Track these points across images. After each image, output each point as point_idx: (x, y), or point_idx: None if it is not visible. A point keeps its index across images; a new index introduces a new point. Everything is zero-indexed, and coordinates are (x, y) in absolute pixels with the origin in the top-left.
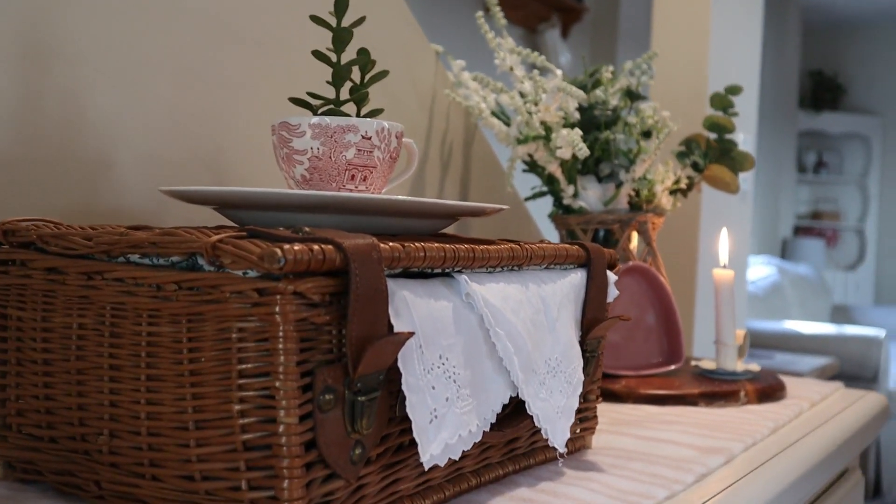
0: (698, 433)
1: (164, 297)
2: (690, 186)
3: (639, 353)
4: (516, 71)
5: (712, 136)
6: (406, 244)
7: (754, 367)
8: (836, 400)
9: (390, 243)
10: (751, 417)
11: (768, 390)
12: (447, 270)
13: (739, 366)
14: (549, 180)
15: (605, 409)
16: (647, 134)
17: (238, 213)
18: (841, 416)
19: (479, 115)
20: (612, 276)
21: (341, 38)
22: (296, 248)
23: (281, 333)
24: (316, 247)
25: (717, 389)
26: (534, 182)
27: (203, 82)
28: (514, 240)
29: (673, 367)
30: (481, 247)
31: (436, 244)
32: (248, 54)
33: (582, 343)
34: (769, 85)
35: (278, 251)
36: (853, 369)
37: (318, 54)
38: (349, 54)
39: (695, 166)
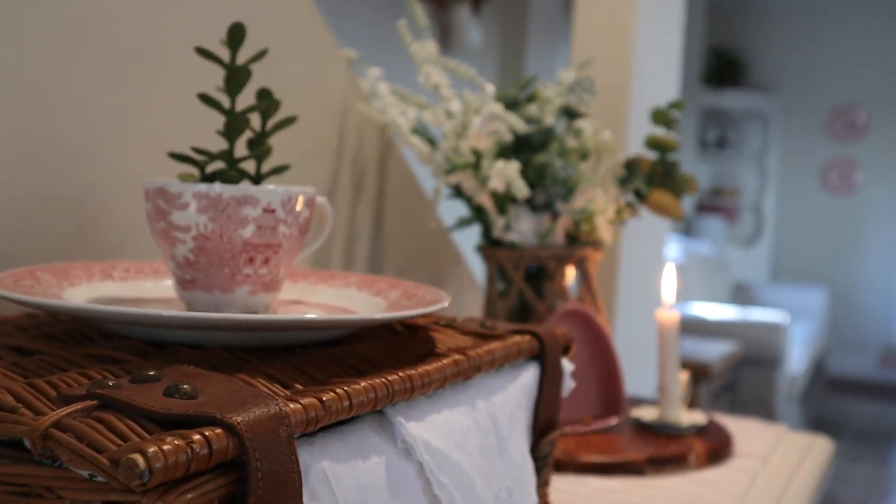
0: None
1: None
2: (632, 215)
3: (577, 404)
4: (443, 90)
5: (652, 155)
6: (326, 397)
7: (699, 416)
8: (786, 453)
9: (303, 400)
10: (707, 493)
11: (718, 448)
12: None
13: (684, 416)
14: (478, 210)
15: None
16: (583, 156)
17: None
18: (799, 481)
19: (396, 132)
20: (567, 366)
21: (237, 78)
22: (165, 448)
23: None
24: (197, 437)
25: (665, 452)
26: (459, 208)
27: (61, 104)
28: (448, 322)
29: (614, 420)
30: (420, 369)
31: (362, 383)
32: (122, 69)
33: (533, 450)
34: None
35: (140, 461)
36: (757, 353)
37: (206, 98)
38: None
39: (637, 193)
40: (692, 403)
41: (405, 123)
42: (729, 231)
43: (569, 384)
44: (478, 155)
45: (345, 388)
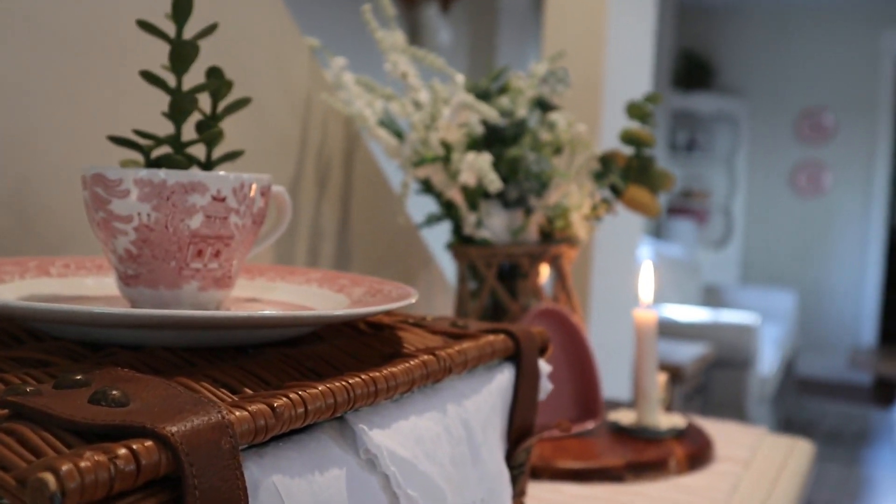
0: None
1: None
2: (607, 211)
3: (552, 408)
4: (411, 79)
5: (628, 150)
6: (277, 403)
7: (678, 419)
8: (767, 456)
9: (251, 407)
10: (688, 500)
11: (698, 453)
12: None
13: (663, 419)
14: (448, 206)
15: None
16: (557, 150)
17: (36, 324)
18: (782, 486)
19: (363, 125)
20: (544, 367)
21: (183, 54)
22: (83, 465)
23: None
24: (122, 451)
25: (644, 458)
26: (429, 204)
27: None
28: (417, 321)
29: (591, 424)
30: (385, 371)
31: (320, 387)
32: (61, 49)
33: (508, 458)
34: None
35: (50, 481)
36: (728, 354)
37: (149, 76)
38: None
39: (613, 188)
40: (667, 406)
41: (372, 115)
42: (699, 233)
43: (546, 386)
44: (448, 148)
45: (299, 392)
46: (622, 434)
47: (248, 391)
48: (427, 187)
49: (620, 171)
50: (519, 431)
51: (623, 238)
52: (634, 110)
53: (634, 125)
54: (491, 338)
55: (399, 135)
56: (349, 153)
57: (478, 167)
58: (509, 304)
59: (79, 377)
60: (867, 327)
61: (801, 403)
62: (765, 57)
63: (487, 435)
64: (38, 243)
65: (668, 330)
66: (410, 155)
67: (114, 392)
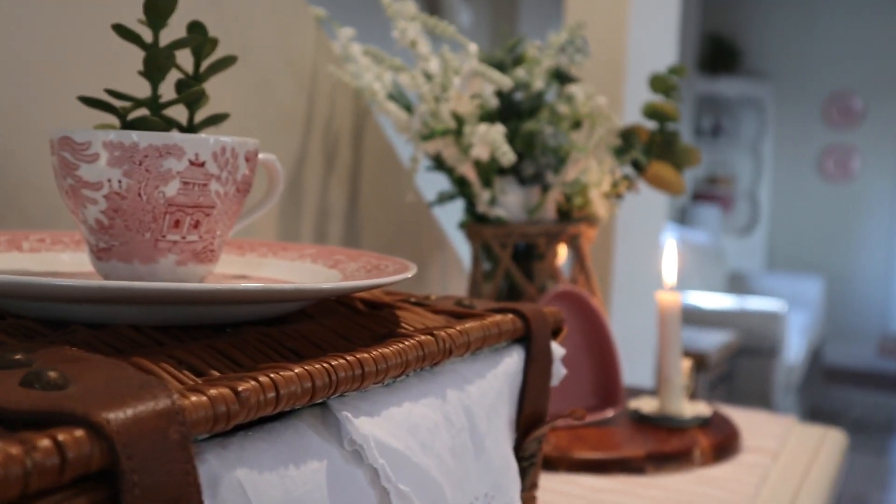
0: None
1: None
2: (629, 189)
3: (569, 395)
4: (420, 47)
5: (651, 125)
6: (243, 387)
7: (703, 407)
8: (797, 447)
9: (211, 391)
10: (713, 493)
11: (725, 443)
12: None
13: (687, 408)
14: (461, 182)
15: None
16: (577, 124)
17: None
18: (813, 478)
19: (372, 99)
20: (557, 350)
21: (158, 6)
22: None
23: None
24: (44, 443)
25: (667, 448)
26: (441, 181)
27: None
28: (420, 300)
29: (611, 412)
30: (375, 353)
31: (296, 369)
32: (42, 21)
33: (517, 449)
34: None
35: None
36: (754, 342)
37: (122, 31)
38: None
39: (635, 164)
40: (692, 394)
41: (381, 89)
42: (724, 220)
43: (559, 371)
44: (459, 120)
45: (271, 375)
46: (644, 423)
47: (215, 373)
48: (439, 163)
49: (643, 147)
50: (529, 420)
51: (647, 219)
52: (658, 83)
53: (658, 99)
54: (498, 318)
55: (409, 109)
56: (358, 129)
57: (490, 139)
58: (525, 286)
59: (18, 356)
60: None
61: (828, 392)
62: (791, 40)
63: (493, 423)
64: (22, 218)
65: (693, 317)
66: (420, 128)
67: (50, 373)
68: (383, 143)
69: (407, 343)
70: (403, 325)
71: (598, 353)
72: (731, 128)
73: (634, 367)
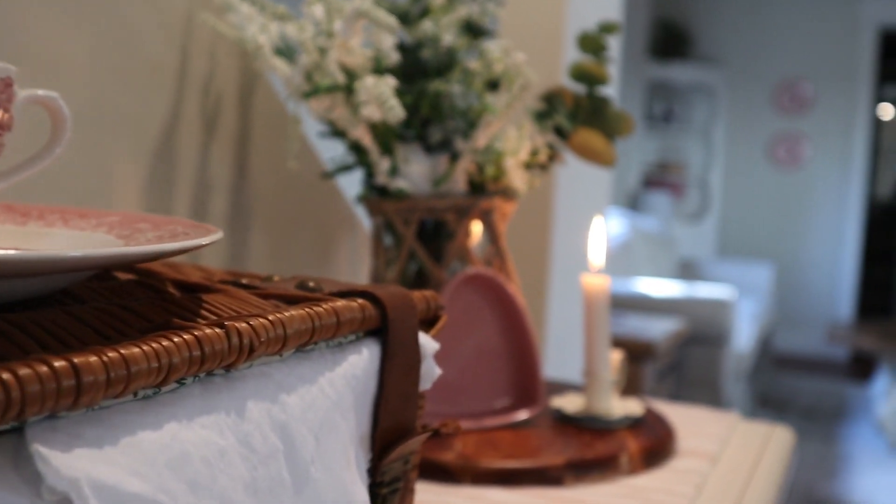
0: None
1: None
2: (552, 159)
3: (479, 393)
4: None
5: (579, 89)
6: None
7: (634, 405)
8: (739, 450)
9: None
10: None
11: (657, 447)
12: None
13: (616, 406)
14: (357, 149)
15: (427, 501)
16: (493, 85)
17: None
18: (756, 485)
19: (257, 54)
20: (429, 345)
21: None
22: None
23: None
24: None
25: (590, 454)
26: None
27: None
28: (252, 281)
29: (526, 413)
30: (112, 354)
31: None
32: None
33: (373, 472)
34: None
35: None
36: (703, 330)
37: None
38: None
39: (558, 131)
40: (632, 387)
41: (267, 42)
42: (675, 206)
43: (432, 371)
44: (350, 75)
45: None
46: (567, 424)
47: None
48: (332, 127)
49: (568, 112)
50: (389, 434)
51: (588, 199)
52: (587, 42)
53: (587, 59)
54: (339, 304)
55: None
56: (246, 89)
57: (377, 93)
58: (432, 269)
59: None
60: (844, 301)
61: (777, 379)
62: (743, 26)
63: (325, 444)
64: None
65: (642, 305)
66: (301, 83)
67: None
68: (277, 106)
69: (169, 342)
70: (205, 312)
71: (515, 345)
72: (682, 114)
73: (572, 362)
